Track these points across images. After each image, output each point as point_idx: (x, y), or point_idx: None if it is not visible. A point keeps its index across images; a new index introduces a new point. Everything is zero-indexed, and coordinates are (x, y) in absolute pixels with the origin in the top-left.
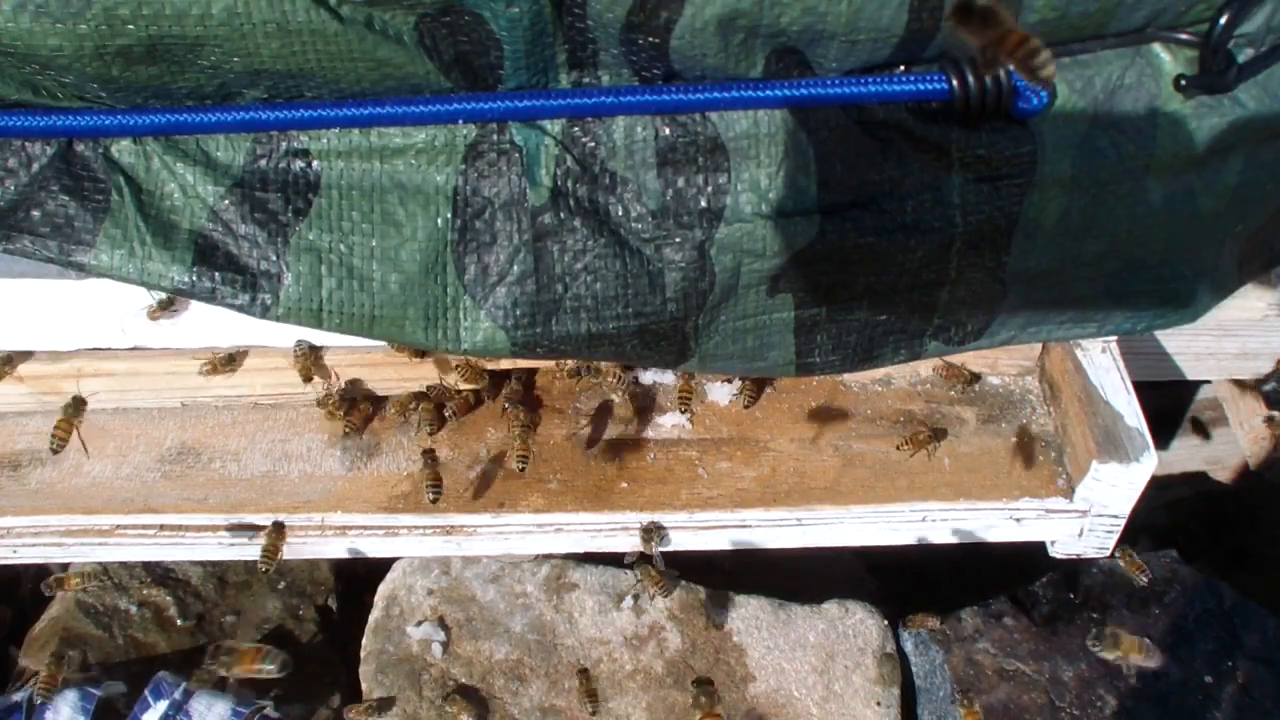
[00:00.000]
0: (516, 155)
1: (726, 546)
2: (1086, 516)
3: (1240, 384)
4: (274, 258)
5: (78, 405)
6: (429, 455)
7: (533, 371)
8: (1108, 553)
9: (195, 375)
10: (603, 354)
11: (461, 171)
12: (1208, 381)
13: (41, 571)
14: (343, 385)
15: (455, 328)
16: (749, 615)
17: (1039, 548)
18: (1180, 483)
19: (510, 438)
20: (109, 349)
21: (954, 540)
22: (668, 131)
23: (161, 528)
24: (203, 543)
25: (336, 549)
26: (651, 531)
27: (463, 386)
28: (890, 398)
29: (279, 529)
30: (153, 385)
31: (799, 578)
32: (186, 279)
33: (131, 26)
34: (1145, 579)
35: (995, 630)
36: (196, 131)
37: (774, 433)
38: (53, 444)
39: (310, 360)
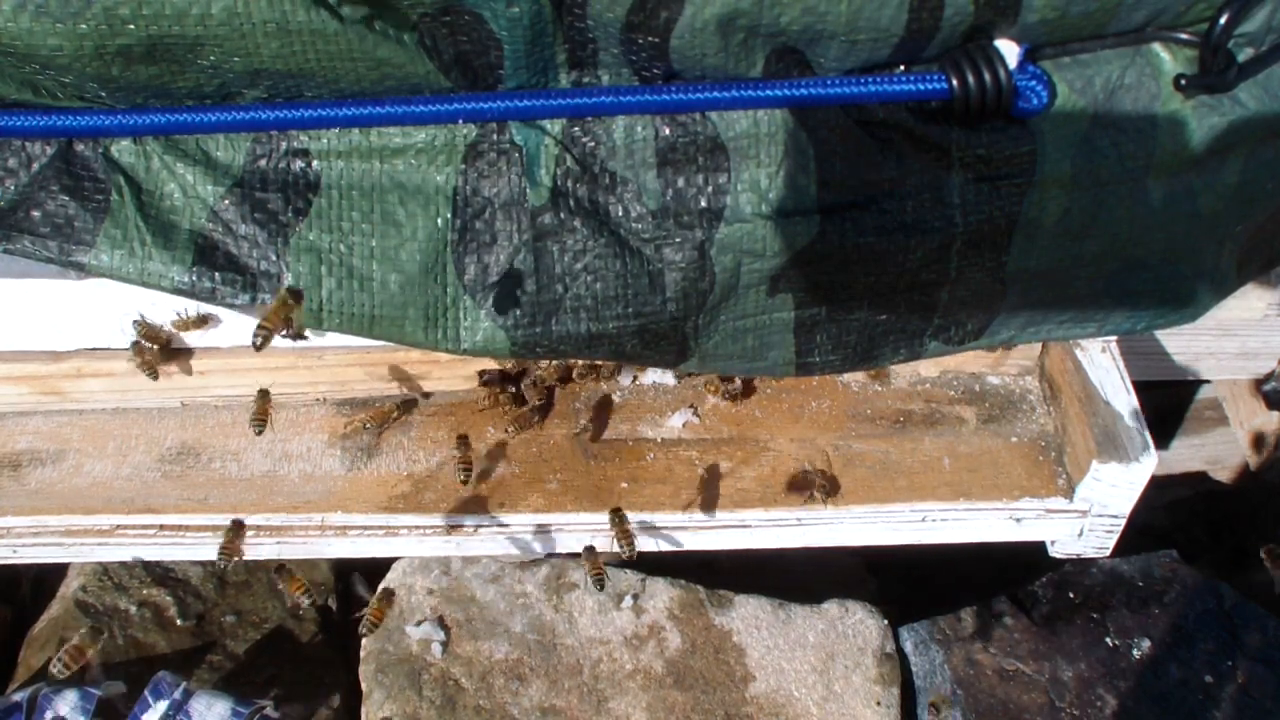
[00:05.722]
0: (516, 155)
1: (726, 546)
2: (1086, 516)
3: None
4: (274, 258)
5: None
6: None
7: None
8: (1108, 552)
9: (195, 375)
10: (603, 354)
11: (461, 171)
12: (1208, 381)
13: (41, 572)
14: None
15: (455, 328)
16: (749, 615)
17: (1039, 548)
18: (1180, 483)
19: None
20: (109, 349)
21: (954, 540)
22: (668, 131)
23: (161, 528)
24: (203, 543)
25: (336, 549)
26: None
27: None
28: (890, 398)
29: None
30: (153, 385)
31: (799, 578)
32: (186, 279)
33: (131, 26)
34: None
35: (995, 630)
36: (196, 131)
37: (774, 433)
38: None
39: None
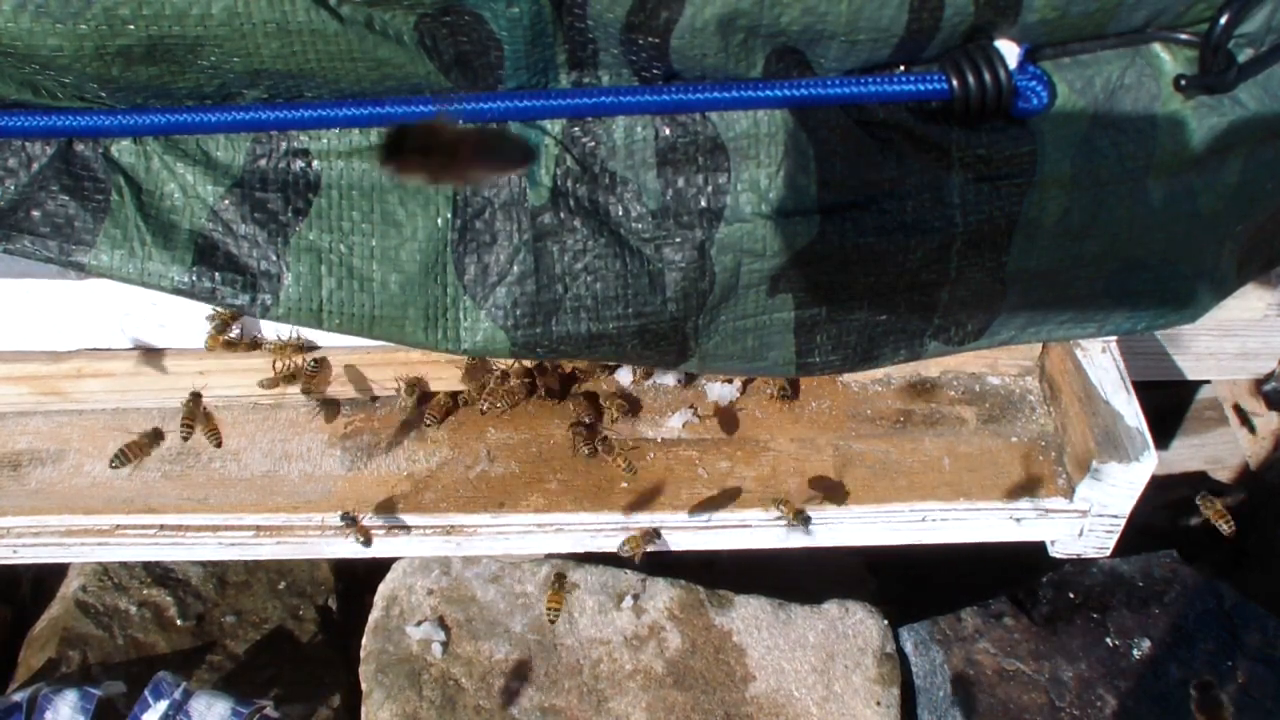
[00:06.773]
0: None
1: (726, 546)
2: (1086, 516)
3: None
4: (274, 258)
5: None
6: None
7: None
8: (1108, 552)
9: (195, 375)
10: (603, 354)
11: None
12: (1208, 381)
13: (41, 572)
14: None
15: (455, 328)
16: (749, 615)
17: (1039, 548)
18: (1180, 483)
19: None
20: (109, 349)
21: (954, 540)
22: (668, 131)
23: (161, 528)
24: (203, 543)
25: (336, 549)
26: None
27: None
28: (890, 398)
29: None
30: (153, 385)
31: (799, 578)
32: (186, 279)
33: (131, 26)
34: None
35: (995, 630)
36: (196, 131)
37: (774, 433)
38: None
39: None
